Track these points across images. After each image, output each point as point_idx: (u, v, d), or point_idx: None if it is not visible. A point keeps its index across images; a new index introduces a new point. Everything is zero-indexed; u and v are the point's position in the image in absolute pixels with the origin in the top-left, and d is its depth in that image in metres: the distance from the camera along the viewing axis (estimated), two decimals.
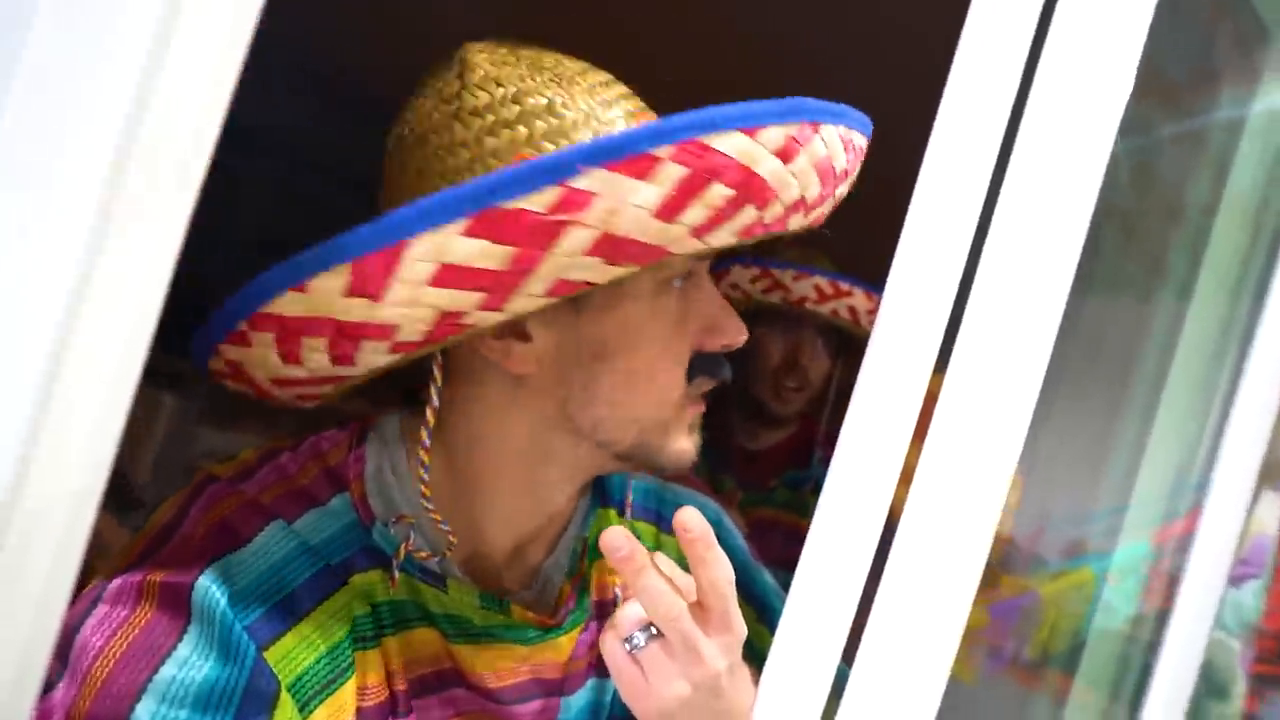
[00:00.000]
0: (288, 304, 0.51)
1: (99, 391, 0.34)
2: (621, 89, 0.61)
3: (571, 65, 0.61)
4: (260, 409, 0.67)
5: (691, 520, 0.56)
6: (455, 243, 0.49)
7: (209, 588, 0.53)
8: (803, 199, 0.56)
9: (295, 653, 0.55)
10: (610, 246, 0.52)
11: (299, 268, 0.50)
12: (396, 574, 0.60)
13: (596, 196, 0.49)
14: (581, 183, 0.48)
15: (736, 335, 0.63)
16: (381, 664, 0.59)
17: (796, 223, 0.59)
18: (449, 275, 0.51)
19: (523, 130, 0.56)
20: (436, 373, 0.60)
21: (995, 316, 0.55)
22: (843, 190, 0.62)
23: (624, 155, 0.48)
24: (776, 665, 0.56)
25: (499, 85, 0.58)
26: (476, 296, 0.52)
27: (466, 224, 0.48)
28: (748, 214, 0.54)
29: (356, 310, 0.52)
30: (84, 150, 0.32)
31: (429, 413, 0.60)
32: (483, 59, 0.59)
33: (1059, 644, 1.15)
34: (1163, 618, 0.96)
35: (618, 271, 0.54)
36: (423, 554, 0.61)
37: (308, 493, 0.61)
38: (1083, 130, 0.56)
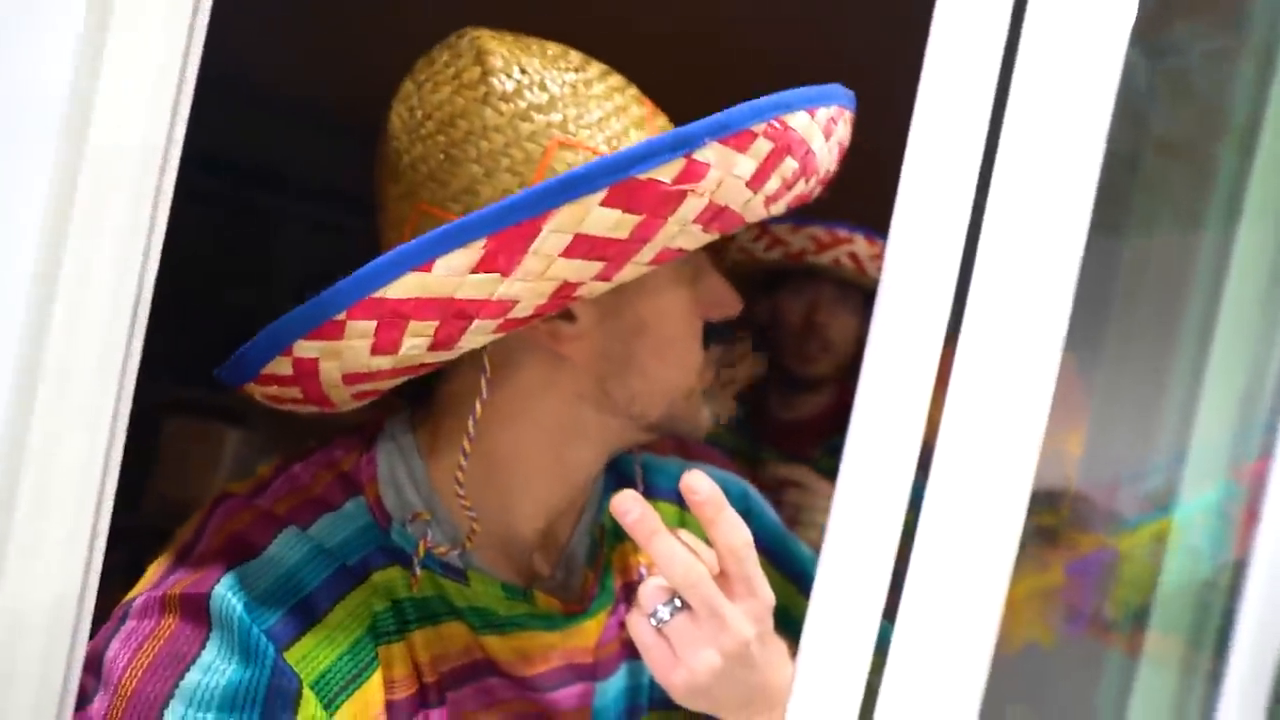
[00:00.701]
0: (404, 286, 0.52)
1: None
2: (618, 77, 0.64)
3: (574, 54, 0.63)
4: (315, 432, 0.68)
5: (698, 483, 0.56)
6: (594, 213, 0.52)
7: (226, 595, 0.55)
8: (826, 173, 0.62)
9: (316, 652, 0.56)
10: (712, 214, 0.55)
11: (426, 248, 0.51)
12: (418, 571, 0.61)
13: (710, 168, 0.53)
14: (701, 155, 0.52)
15: (735, 306, 0.68)
16: (408, 657, 0.60)
17: (812, 194, 0.64)
18: (580, 246, 0.53)
19: (556, 116, 0.59)
20: (486, 362, 0.61)
21: (1011, 244, 0.52)
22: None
23: (734, 130, 0.53)
24: (815, 628, 0.54)
25: (523, 72, 0.60)
26: (597, 266, 0.55)
27: (606, 194, 0.51)
28: (801, 185, 0.59)
29: (479, 287, 0.53)
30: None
31: (478, 405, 0.61)
32: (495, 44, 0.61)
33: (1142, 599, 1.10)
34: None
35: (707, 238, 0.58)
36: (442, 549, 0.62)
37: (321, 499, 0.62)
38: (1089, 41, 0.53)
